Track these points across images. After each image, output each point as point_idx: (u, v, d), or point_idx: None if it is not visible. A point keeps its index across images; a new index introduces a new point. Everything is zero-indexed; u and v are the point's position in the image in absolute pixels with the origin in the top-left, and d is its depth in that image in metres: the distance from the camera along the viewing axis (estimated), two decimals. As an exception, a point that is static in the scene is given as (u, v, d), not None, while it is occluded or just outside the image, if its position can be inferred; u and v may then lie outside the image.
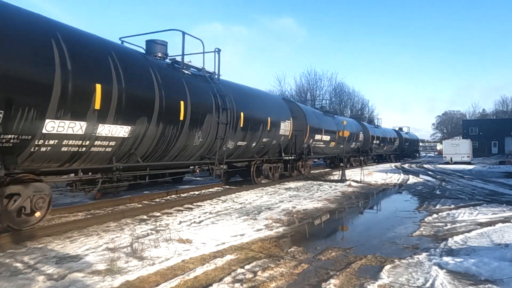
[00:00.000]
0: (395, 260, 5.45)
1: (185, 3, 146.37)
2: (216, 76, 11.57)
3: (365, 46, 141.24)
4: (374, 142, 32.71)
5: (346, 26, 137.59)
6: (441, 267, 5.08)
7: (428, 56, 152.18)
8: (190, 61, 10.84)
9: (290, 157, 16.71)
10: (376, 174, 21.75)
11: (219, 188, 14.13)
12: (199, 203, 10.47)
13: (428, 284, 4.52)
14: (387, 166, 32.18)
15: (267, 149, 14.83)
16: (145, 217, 8.60)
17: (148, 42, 10.20)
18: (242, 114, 12.18)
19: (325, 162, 27.76)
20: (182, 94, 9.51)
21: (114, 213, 8.72)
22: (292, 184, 15.63)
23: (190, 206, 10.07)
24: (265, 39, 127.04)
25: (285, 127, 15.59)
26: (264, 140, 14.05)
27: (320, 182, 16.62)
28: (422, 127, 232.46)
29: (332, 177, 19.05)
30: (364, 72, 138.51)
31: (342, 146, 23.41)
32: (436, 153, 74.10)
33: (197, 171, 11.35)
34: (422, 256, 5.61)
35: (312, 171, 22.71)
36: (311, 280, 4.74)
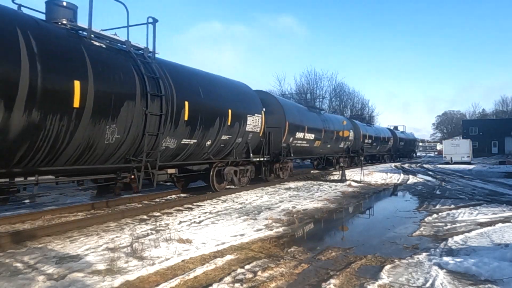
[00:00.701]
0: (395, 260, 5.45)
1: (184, 2, 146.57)
2: (150, 54, 9.15)
3: (365, 45, 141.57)
4: (366, 141, 30.53)
5: (346, 24, 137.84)
6: (441, 267, 5.08)
7: (429, 56, 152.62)
8: (115, 34, 8.61)
9: (261, 159, 14.50)
10: (376, 174, 21.75)
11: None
12: (199, 203, 10.46)
13: (428, 284, 4.52)
14: (387, 166, 32.19)
15: (230, 149, 12.31)
16: (145, 217, 8.60)
17: (48, 4, 7.74)
18: (187, 103, 9.63)
19: (312, 163, 25.18)
20: (80, 71, 6.95)
21: (114, 213, 8.72)
22: (292, 184, 15.62)
23: (190, 206, 10.07)
24: (265, 38, 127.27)
25: (255, 123, 13.11)
26: (224, 137, 11.58)
27: (320, 182, 16.62)
28: (422, 127, 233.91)
29: (332, 177, 19.05)
30: (365, 71, 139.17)
31: (329, 145, 21.82)
32: (436, 153, 74.10)
33: (130, 177, 8.85)
34: (422, 256, 5.61)
35: (312, 172, 22.66)
36: (311, 280, 4.74)
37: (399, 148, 43.82)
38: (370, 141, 31.73)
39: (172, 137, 9.47)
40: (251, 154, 13.52)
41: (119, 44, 8.59)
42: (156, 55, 9.44)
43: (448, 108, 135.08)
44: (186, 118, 9.68)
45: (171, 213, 9.13)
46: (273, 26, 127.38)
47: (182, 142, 9.90)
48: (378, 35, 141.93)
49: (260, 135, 13.85)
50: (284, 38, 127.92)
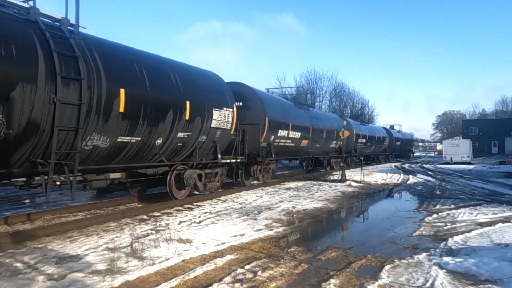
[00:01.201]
0: (395, 260, 5.45)
1: (183, 0, 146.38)
2: (72, 28, 7.36)
3: (366, 44, 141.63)
4: (360, 141, 28.65)
5: (347, 23, 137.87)
6: (441, 267, 5.08)
7: (430, 56, 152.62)
8: (25, 1, 6.98)
9: (233, 160, 12.58)
10: (376, 174, 21.75)
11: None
12: (199, 203, 10.46)
13: (428, 284, 4.52)
14: (386, 166, 32.20)
15: (191, 148, 10.47)
16: (145, 217, 8.60)
17: None
18: (122, 91, 7.74)
19: (301, 164, 23.06)
20: None
21: (114, 213, 8.72)
22: (292, 184, 15.62)
23: (190, 206, 10.07)
24: (265, 38, 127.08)
25: (224, 118, 11.32)
26: (181, 135, 9.73)
27: (320, 182, 16.62)
28: (422, 127, 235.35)
29: (332, 177, 19.05)
30: (365, 71, 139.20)
31: (318, 145, 20.34)
32: (436, 153, 74.14)
33: (51, 184, 6.74)
34: (422, 256, 5.61)
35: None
36: (311, 280, 4.74)
37: (395, 148, 41.82)
38: (364, 140, 29.86)
39: (102, 134, 7.55)
40: (219, 155, 11.57)
41: (18, 7, 6.83)
42: (83, 30, 7.60)
43: (449, 108, 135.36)
44: (121, 109, 7.76)
45: (171, 213, 9.13)
46: (273, 25, 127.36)
47: (119, 140, 7.97)
48: (379, 35, 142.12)
49: (232, 132, 11.94)
50: (285, 38, 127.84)
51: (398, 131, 45.71)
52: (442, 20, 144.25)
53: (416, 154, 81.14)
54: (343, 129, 22.07)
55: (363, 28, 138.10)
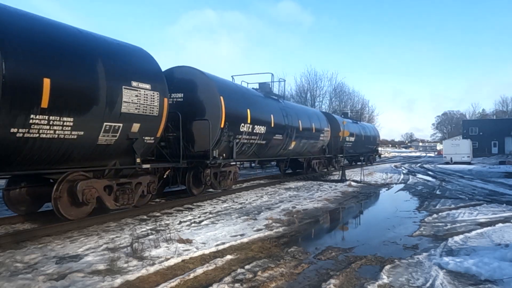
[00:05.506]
0: (395, 260, 5.45)
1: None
2: None
3: (370, 40, 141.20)
4: (257, 130, 13.05)
5: (352, 16, 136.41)
6: (441, 267, 5.08)
7: (437, 53, 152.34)
8: None
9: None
10: (376, 174, 21.76)
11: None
12: (199, 203, 10.46)
13: (428, 284, 4.52)
14: (386, 166, 32.21)
15: None
16: (145, 217, 8.60)
17: None
18: None
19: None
20: None
21: (114, 213, 8.71)
22: (292, 184, 15.62)
23: (190, 206, 10.07)
24: (265, 27, 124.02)
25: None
26: None
27: (320, 182, 16.62)
28: (424, 127, 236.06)
29: (332, 177, 19.06)
30: (369, 67, 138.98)
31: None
32: (436, 153, 74.18)
33: None
34: (422, 256, 5.61)
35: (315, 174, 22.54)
36: (311, 280, 4.74)
37: (344, 147, 23.48)
38: (272, 131, 14.23)
39: None
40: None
41: None
42: None
43: (455, 108, 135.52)
44: None
45: (171, 213, 9.12)
46: (274, 13, 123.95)
47: None
48: (382, 33, 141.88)
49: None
50: (286, 27, 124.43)
51: (354, 122, 29.11)
52: (447, 19, 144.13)
53: (416, 154, 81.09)
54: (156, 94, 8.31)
55: (368, 21, 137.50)
